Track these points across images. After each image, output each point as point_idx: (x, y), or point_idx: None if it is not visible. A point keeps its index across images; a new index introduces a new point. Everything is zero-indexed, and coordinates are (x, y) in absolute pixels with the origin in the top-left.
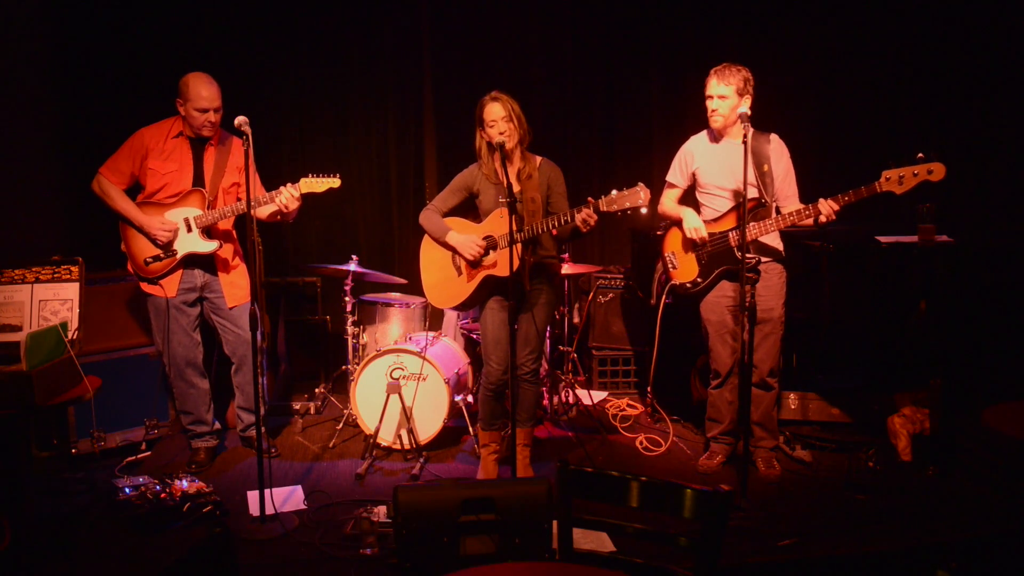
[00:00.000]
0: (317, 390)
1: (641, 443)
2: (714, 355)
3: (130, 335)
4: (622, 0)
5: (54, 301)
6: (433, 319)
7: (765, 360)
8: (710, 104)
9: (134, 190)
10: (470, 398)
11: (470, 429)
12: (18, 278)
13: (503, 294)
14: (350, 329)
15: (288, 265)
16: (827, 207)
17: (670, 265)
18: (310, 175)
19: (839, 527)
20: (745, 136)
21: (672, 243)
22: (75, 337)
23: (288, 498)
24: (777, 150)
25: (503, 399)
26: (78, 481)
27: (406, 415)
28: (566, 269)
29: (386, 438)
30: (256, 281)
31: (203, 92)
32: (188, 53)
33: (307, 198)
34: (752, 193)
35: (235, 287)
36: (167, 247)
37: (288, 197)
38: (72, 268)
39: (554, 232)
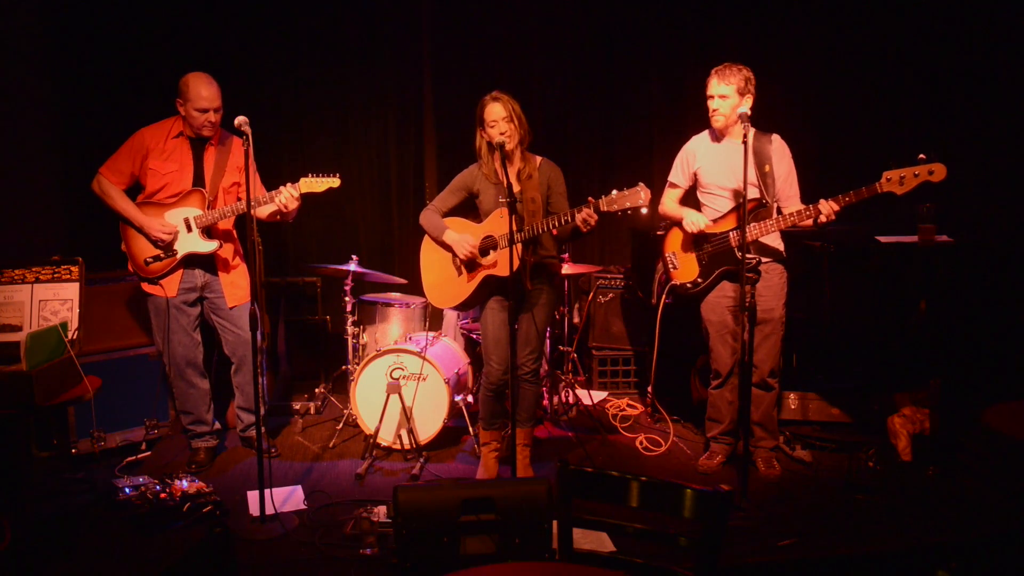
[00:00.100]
0: (317, 390)
1: (641, 443)
2: (714, 355)
3: (130, 335)
4: (622, 0)
5: (54, 301)
6: (433, 319)
7: (766, 360)
8: (711, 104)
9: (134, 190)
10: (470, 398)
11: (470, 429)
12: (18, 278)
13: (503, 294)
14: (350, 329)
15: (288, 265)
16: (827, 207)
17: (670, 265)
18: (310, 175)
19: (839, 527)
20: (745, 136)
21: (672, 243)
22: (75, 337)
23: (288, 498)
24: (779, 150)
25: (503, 399)
26: (78, 481)
27: (406, 415)
28: (566, 269)
29: (386, 438)
30: (256, 281)
31: (203, 92)
32: (188, 53)
33: (307, 198)
34: (753, 193)
35: (235, 287)
36: (167, 247)
37: (288, 197)
38: (72, 268)
39: (554, 232)
